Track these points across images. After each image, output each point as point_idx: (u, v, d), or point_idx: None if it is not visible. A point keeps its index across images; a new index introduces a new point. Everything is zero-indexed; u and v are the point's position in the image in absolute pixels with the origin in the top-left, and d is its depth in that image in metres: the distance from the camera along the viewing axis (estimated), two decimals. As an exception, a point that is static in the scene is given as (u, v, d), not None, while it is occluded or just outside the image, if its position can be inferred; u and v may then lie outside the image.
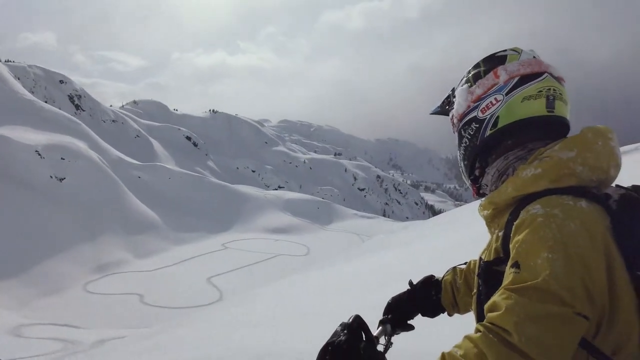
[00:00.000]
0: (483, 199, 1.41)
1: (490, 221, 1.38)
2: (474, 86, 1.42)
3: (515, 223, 1.17)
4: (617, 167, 1.28)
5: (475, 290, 1.38)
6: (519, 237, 1.13)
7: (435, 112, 1.67)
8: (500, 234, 1.27)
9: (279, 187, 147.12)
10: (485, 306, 1.12)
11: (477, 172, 1.49)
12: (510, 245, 1.16)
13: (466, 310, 1.74)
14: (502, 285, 1.11)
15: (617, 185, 1.25)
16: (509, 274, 1.11)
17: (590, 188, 1.20)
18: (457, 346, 1.08)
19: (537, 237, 1.09)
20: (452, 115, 1.51)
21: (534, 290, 1.03)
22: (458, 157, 1.53)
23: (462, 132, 1.46)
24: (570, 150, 1.22)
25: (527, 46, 1.44)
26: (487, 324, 1.06)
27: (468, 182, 1.55)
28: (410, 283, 1.87)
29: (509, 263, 1.13)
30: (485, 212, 1.37)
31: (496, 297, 1.09)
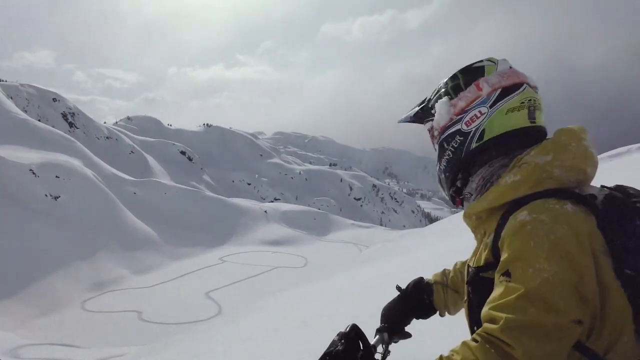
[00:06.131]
0: (466, 207, 1.42)
1: (475, 228, 1.40)
2: (455, 98, 1.41)
3: (503, 230, 1.18)
4: (594, 165, 1.30)
5: (465, 298, 1.38)
6: (509, 245, 1.14)
7: (408, 121, 1.61)
8: (489, 240, 1.27)
9: (275, 199, 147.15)
10: (482, 316, 1.13)
11: (459, 183, 1.47)
12: (501, 254, 1.16)
13: (456, 311, 1.76)
14: (494, 294, 1.12)
15: (601, 186, 1.27)
16: (499, 283, 1.12)
17: (572, 189, 1.22)
18: (454, 351, 1.10)
19: (527, 245, 1.09)
20: (432, 127, 1.48)
21: (527, 300, 1.04)
22: (438, 169, 1.51)
23: (445, 144, 1.44)
24: (546, 155, 1.24)
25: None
26: (485, 335, 1.06)
27: (447, 193, 1.54)
28: (399, 288, 1.87)
29: (499, 270, 1.13)
30: (472, 218, 1.38)
31: (491, 308, 1.10)
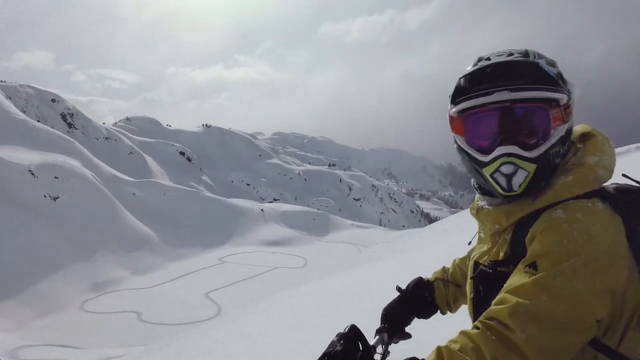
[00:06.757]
0: (489, 207, 1.35)
1: (501, 231, 1.34)
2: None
3: (535, 228, 1.16)
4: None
5: (471, 295, 1.37)
6: (540, 240, 1.12)
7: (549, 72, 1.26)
8: (508, 237, 1.27)
9: (274, 199, 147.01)
10: (495, 300, 1.10)
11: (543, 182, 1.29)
12: (529, 249, 1.14)
13: (457, 308, 1.77)
14: (512, 280, 1.11)
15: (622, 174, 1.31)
16: (522, 273, 1.10)
17: (600, 189, 1.23)
18: (452, 341, 1.08)
19: (560, 242, 1.08)
20: (572, 103, 1.28)
21: (543, 287, 1.03)
22: (557, 150, 1.26)
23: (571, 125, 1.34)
24: (594, 155, 1.25)
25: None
26: (486, 321, 1.05)
27: (545, 182, 1.28)
28: (399, 288, 1.87)
29: (525, 261, 1.12)
30: (507, 222, 1.29)
31: (507, 292, 1.08)
